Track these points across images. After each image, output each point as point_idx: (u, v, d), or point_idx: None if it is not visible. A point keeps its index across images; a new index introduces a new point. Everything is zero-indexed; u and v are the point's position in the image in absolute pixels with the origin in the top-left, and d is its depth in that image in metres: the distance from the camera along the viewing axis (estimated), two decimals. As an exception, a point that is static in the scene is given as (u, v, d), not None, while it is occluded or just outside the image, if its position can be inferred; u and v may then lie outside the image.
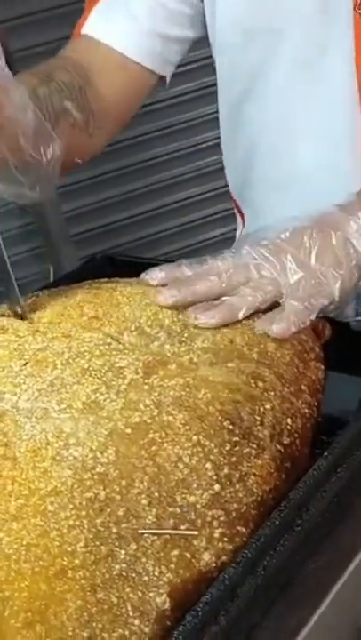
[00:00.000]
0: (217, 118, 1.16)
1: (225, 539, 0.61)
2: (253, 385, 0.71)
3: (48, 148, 0.79)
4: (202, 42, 1.07)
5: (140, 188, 1.89)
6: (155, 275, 0.81)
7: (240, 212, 1.19)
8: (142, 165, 1.87)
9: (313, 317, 0.76)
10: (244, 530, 0.62)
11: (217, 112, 1.15)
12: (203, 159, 1.92)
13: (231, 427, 0.66)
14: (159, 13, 1.01)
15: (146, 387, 0.68)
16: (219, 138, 1.18)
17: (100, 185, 1.81)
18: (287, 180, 1.05)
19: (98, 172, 1.78)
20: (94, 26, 1.03)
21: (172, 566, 0.58)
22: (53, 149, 0.79)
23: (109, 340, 0.73)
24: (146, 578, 0.57)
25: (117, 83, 1.01)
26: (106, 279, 0.86)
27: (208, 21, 1.04)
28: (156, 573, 0.57)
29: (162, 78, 1.06)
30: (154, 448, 0.63)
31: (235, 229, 1.23)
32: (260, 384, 0.71)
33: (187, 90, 1.71)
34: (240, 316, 0.75)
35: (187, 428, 0.65)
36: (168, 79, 1.07)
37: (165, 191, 1.92)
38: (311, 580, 0.66)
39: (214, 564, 0.60)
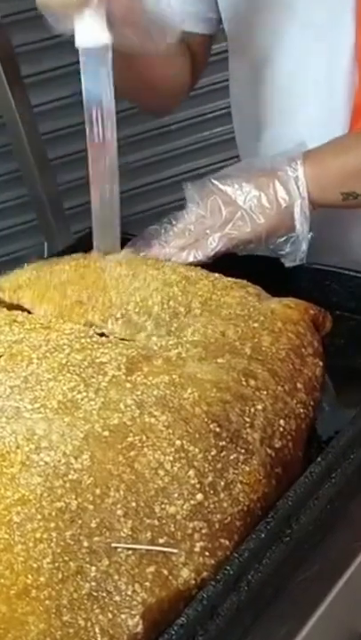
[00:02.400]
0: (225, 87, 1.11)
1: (206, 553, 0.57)
2: (245, 383, 0.66)
3: None
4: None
5: (141, 160, 1.83)
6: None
7: None
8: (144, 136, 1.80)
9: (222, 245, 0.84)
10: (227, 543, 0.58)
11: (224, 81, 1.11)
12: (211, 129, 1.85)
13: (218, 430, 0.62)
14: None
15: (128, 384, 0.63)
16: (227, 107, 1.13)
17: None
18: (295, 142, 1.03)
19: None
20: None
21: (147, 584, 0.54)
22: None
23: (91, 333, 0.68)
24: (117, 597, 0.52)
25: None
26: (97, 254, 0.81)
27: None
28: (129, 592, 0.53)
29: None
30: (133, 453, 0.58)
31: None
32: (252, 382, 0.66)
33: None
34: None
35: (170, 431, 0.60)
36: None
37: (169, 163, 1.86)
38: (300, 592, 0.62)
39: (194, 581, 0.55)
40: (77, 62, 0.78)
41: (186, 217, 0.87)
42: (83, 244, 0.89)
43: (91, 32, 0.74)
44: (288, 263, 0.87)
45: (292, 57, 0.99)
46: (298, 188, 0.86)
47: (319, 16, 0.95)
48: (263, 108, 1.06)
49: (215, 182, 0.87)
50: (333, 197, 0.87)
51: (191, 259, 0.84)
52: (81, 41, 0.75)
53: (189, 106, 1.82)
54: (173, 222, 0.87)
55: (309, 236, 0.86)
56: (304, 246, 0.87)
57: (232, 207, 0.86)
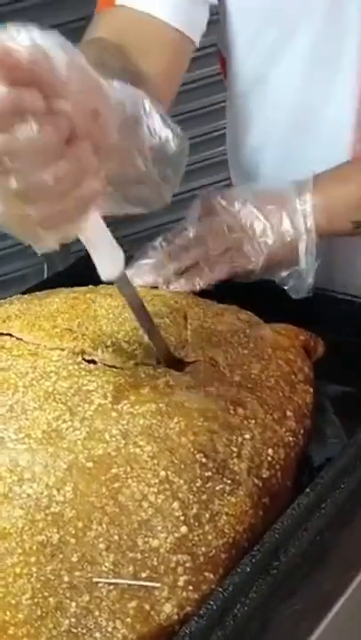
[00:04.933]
0: (222, 108, 1.10)
1: (190, 587, 0.56)
2: (233, 412, 0.65)
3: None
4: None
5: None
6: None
7: None
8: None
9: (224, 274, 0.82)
10: (212, 576, 0.57)
11: (222, 102, 1.09)
12: (203, 152, 1.85)
13: (204, 460, 0.61)
14: None
15: (114, 414, 0.63)
16: (223, 129, 1.12)
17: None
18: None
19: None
20: None
21: (128, 620, 0.53)
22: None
23: (79, 359, 0.68)
24: (97, 634, 0.52)
25: (163, 61, 0.93)
26: (86, 288, 0.80)
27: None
28: (110, 629, 0.52)
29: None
30: (116, 485, 0.58)
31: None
32: (241, 411, 0.66)
33: (191, 79, 1.65)
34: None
35: (154, 461, 0.60)
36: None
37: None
38: (288, 626, 0.61)
39: (176, 616, 0.55)
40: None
41: (184, 234, 0.84)
42: (83, 264, 0.88)
43: (106, 265, 0.64)
44: (294, 295, 0.85)
45: (292, 85, 0.98)
46: (306, 223, 0.84)
47: (321, 47, 0.93)
48: (260, 140, 1.05)
49: (222, 202, 0.85)
50: (342, 226, 0.87)
51: (191, 287, 0.81)
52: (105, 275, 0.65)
53: (189, 126, 1.82)
54: (170, 239, 0.84)
55: (316, 266, 0.85)
56: (310, 280, 0.85)
57: (237, 234, 0.83)
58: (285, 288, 0.85)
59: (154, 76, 0.90)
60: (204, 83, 1.55)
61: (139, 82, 0.81)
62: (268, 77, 0.99)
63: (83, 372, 0.66)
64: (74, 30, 0.77)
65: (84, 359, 0.68)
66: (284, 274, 0.85)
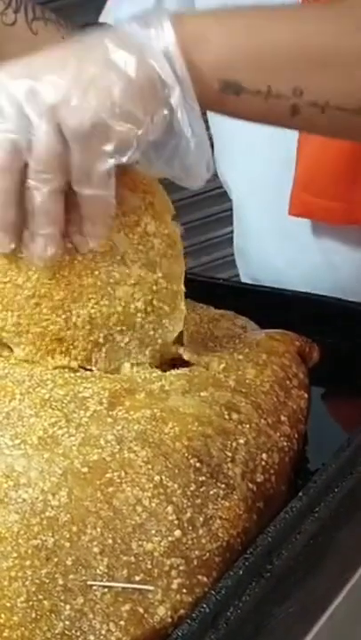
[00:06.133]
0: None
1: (184, 590, 0.57)
2: (227, 417, 0.66)
3: None
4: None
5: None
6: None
7: None
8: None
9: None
10: (205, 579, 0.58)
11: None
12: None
13: (198, 465, 0.62)
14: None
15: (109, 419, 0.63)
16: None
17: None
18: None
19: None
20: (111, 13, 0.98)
21: (122, 623, 0.54)
22: None
23: (75, 367, 0.68)
24: (91, 637, 0.52)
25: None
26: None
27: None
28: (103, 631, 0.53)
29: None
30: (111, 489, 0.59)
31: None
32: (235, 416, 0.66)
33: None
34: None
35: (149, 466, 0.60)
36: None
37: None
38: (282, 629, 0.62)
39: (170, 619, 0.55)
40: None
41: None
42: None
43: None
44: (187, 184, 0.67)
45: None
46: (174, 69, 0.61)
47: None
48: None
49: None
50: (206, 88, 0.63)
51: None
52: None
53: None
54: None
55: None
56: (204, 154, 0.64)
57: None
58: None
59: None
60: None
61: None
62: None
63: (79, 380, 0.67)
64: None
65: (80, 366, 0.69)
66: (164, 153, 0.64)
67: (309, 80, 0.64)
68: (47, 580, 0.54)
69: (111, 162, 0.62)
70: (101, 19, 1.02)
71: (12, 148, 0.61)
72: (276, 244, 1.03)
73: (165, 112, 0.62)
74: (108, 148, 0.61)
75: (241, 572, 0.57)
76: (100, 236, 0.66)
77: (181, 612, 0.56)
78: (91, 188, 0.63)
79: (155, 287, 0.69)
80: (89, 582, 0.54)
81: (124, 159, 0.62)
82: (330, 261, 0.99)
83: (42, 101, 0.60)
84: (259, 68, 0.64)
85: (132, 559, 0.56)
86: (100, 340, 0.69)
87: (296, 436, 0.70)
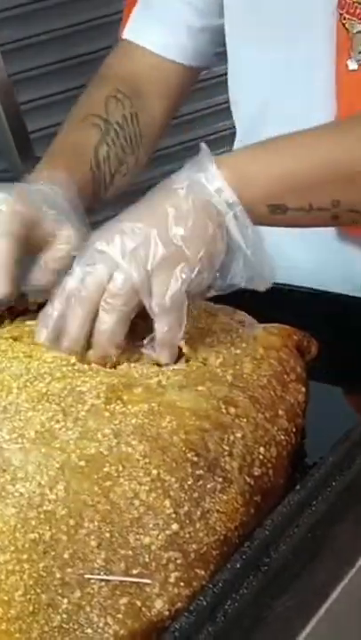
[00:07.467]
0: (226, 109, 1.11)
1: (181, 583, 0.57)
2: (224, 411, 0.66)
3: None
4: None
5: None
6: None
7: None
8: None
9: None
10: (203, 573, 0.58)
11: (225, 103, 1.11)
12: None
13: (196, 458, 0.62)
14: (193, 7, 0.98)
15: (107, 413, 0.64)
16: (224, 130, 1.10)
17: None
18: None
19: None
20: (133, 30, 1.01)
21: (120, 616, 0.54)
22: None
23: (73, 361, 0.69)
24: (89, 630, 0.52)
25: (165, 90, 1.00)
26: None
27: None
28: (101, 625, 0.53)
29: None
30: (108, 483, 0.59)
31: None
32: (232, 410, 0.66)
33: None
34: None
35: (146, 460, 0.60)
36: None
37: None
38: (280, 622, 0.62)
39: (167, 612, 0.55)
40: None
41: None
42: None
43: None
44: (255, 288, 0.73)
45: None
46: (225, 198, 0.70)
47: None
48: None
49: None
50: (257, 210, 0.71)
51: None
52: None
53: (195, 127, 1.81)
54: None
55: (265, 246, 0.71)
56: (264, 265, 0.71)
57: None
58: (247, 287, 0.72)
59: (156, 105, 0.99)
60: (209, 84, 1.56)
61: (135, 131, 0.94)
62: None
63: (76, 374, 0.67)
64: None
65: (77, 361, 0.69)
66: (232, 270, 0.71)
67: (343, 193, 0.73)
68: (45, 574, 0.54)
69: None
70: (126, 31, 1.03)
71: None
72: None
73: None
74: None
75: (238, 566, 0.57)
76: None
77: (179, 605, 0.56)
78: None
79: None
80: (86, 576, 0.54)
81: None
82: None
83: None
84: (298, 190, 0.73)
85: (130, 552, 0.56)
86: None
87: (294, 429, 0.70)
